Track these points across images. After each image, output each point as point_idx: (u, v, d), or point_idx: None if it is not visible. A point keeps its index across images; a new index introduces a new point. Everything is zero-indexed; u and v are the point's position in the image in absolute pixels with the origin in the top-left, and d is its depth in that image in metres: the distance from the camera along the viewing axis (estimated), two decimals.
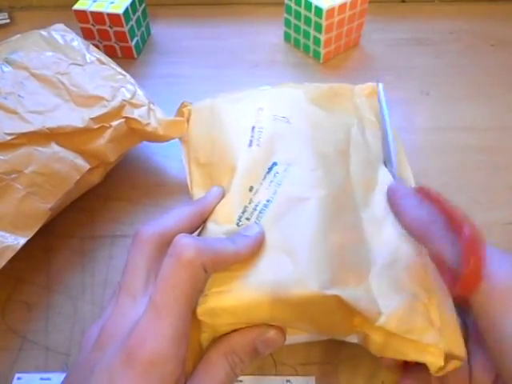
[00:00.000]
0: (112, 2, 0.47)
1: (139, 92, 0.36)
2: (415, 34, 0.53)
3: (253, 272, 0.23)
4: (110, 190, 0.37)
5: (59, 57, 0.36)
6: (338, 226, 0.25)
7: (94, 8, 0.46)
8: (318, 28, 0.47)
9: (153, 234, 0.24)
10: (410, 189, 0.26)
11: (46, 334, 0.30)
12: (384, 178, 0.30)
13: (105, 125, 0.33)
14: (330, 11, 0.45)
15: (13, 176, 0.30)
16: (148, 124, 0.34)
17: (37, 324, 0.30)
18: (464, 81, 0.47)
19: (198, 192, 0.30)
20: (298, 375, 0.28)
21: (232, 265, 0.23)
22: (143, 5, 0.51)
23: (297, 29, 0.50)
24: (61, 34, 0.38)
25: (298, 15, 0.48)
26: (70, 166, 0.32)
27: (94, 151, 0.33)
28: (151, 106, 0.36)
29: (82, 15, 0.47)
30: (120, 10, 0.46)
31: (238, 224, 0.26)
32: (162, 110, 0.36)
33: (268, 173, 0.27)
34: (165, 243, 0.23)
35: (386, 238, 0.26)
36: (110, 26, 0.47)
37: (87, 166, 0.33)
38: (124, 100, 0.34)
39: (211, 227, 0.26)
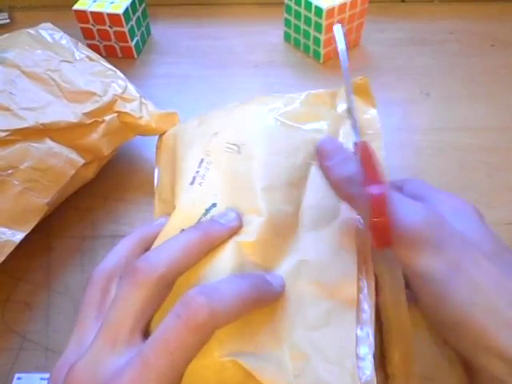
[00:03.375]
0: (112, 2, 0.47)
1: (130, 87, 0.36)
2: (415, 34, 0.53)
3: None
4: (109, 190, 0.37)
5: (49, 54, 0.36)
6: None
7: (94, 8, 0.46)
8: (318, 28, 0.47)
9: (153, 276, 0.21)
10: (338, 144, 0.25)
11: (45, 333, 0.30)
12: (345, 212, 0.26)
13: (98, 119, 0.34)
14: (330, 11, 0.45)
15: (9, 172, 0.30)
16: (140, 117, 0.35)
17: (37, 324, 0.30)
18: (464, 81, 0.47)
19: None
20: None
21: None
22: (143, 5, 0.51)
23: (297, 29, 0.50)
24: (49, 32, 0.39)
25: (298, 15, 0.48)
26: (65, 161, 0.32)
27: (88, 146, 0.33)
28: (142, 100, 0.36)
29: (82, 15, 0.47)
30: (120, 10, 0.46)
31: None
32: (153, 104, 0.36)
33: (205, 215, 0.25)
34: (167, 284, 0.21)
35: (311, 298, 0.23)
36: (110, 26, 0.47)
37: (82, 161, 0.33)
38: (115, 95, 0.35)
39: None
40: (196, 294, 0.19)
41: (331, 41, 0.48)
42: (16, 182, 0.30)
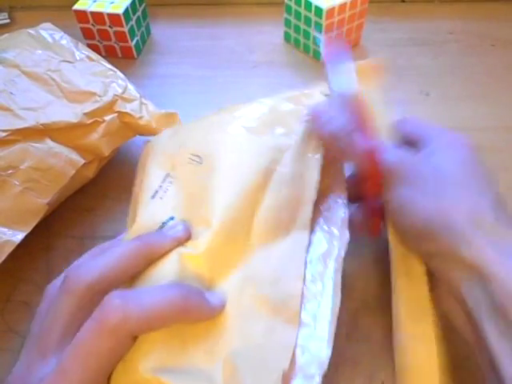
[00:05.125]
0: (112, 2, 0.47)
1: (130, 87, 0.36)
2: (415, 34, 0.53)
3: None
4: (109, 189, 0.37)
5: (49, 54, 0.36)
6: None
7: (94, 8, 0.46)
8: (318, 28, 0.47)
9: (82, 284, 0.20)
10: (327, 106, 0.28)
11: None
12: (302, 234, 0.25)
13: (98, 119, 0.34)
14: (330, 11, 0.45)
15: (9, 172, 0.30)
16: (141, 117, 0.35)
17: None
18: (464, 81, 0.47)
19: None
20: None
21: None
22: (143, 5, 0.51)
23: (297, 29, 0.50)
24: (49, 32, 0.39)
25: (298, 15, 0.48)
26: (65, 161, 0.32)
27: (89, 146, 0.33)
28: (143, 100, 0.36)
29: (82, 15, 0.47)
30: (120, 10, 0.46)
31: None
32: (153, 104, 0.36)
33: (161, 228, 0.25)
34: (97, 293, 0.21)
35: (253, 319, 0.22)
36: (110, 26, 0.47)
37: (82, 161, 0.33)
38: (116, 95, 0.35)
39: None
40: (112, 297, 0.19)
41: (331, 41, 0.48)
42: (16, 182, 0.30)
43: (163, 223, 0.25)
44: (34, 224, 0.30)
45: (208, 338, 0.21)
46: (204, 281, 0.23)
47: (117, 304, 0.19)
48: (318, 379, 0.20)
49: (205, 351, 0.21)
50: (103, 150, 0.34)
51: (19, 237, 0.29)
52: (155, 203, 0.26)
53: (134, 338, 0.20)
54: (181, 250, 0.23)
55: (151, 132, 0.36)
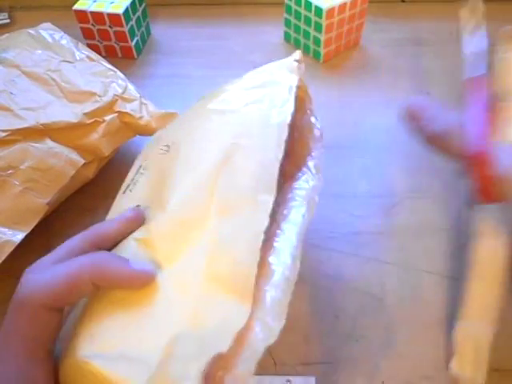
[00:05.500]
0: (112, 2, 0.47)
1: (130, 87, 0.37)
2: (415, 34, 0.53)
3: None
4: (110, 190, 0.37)
5: (49, 54, 0.36)
6: None
7: (94, 8, 0.46)
8: (318, 28, 0.47)
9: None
10: (424, 103, 0.26)
11: None
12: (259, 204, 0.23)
13: (98, 119, 0.34)
14: (330, 11, 0.45)
15: (9, 172, 0.30)
16: (141, 117, 0.35)
17: None
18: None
19: None
20: (297, 375, 0.28)
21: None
22: (143, 5, 0.51)
23: (297, 29, 0.50)
24: (49, 32, 0.39)
25: (298, 15, 0.48)
26: (65, 161, 0.32)
27: (89, 146, 0.34)
28: (143, 100, 0.36)
29: (82, 15, 0.47)
30: (120, 10, 0.46)
31: None
32: (153, 104, 0.36)
33: None
34: None
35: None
36: (110, 26, 0.47)
37: (82, 161, 0.33)
38: (116, 95, 0.35)
39: None
40: (24, 274, 0.21)
41: (331, 41, 0.48)
42: (16, 182, 0.30)
43: None
44: (33, 224, 0.30)
45: (156, 321, 0.21)
46: (157, 262, 0.22)
47: (26, 279, 0.20)
48: (260, 353, 0.19)
49: (151, 333, 0.20)
50: (103, 150, 0.34)
51: (19, 237, 0.29)
52: (125, 197, 0.27)
53: (57, 311, 0.20)
54: (135, 235, 0.24)
55: (151, 132, 0.36)
